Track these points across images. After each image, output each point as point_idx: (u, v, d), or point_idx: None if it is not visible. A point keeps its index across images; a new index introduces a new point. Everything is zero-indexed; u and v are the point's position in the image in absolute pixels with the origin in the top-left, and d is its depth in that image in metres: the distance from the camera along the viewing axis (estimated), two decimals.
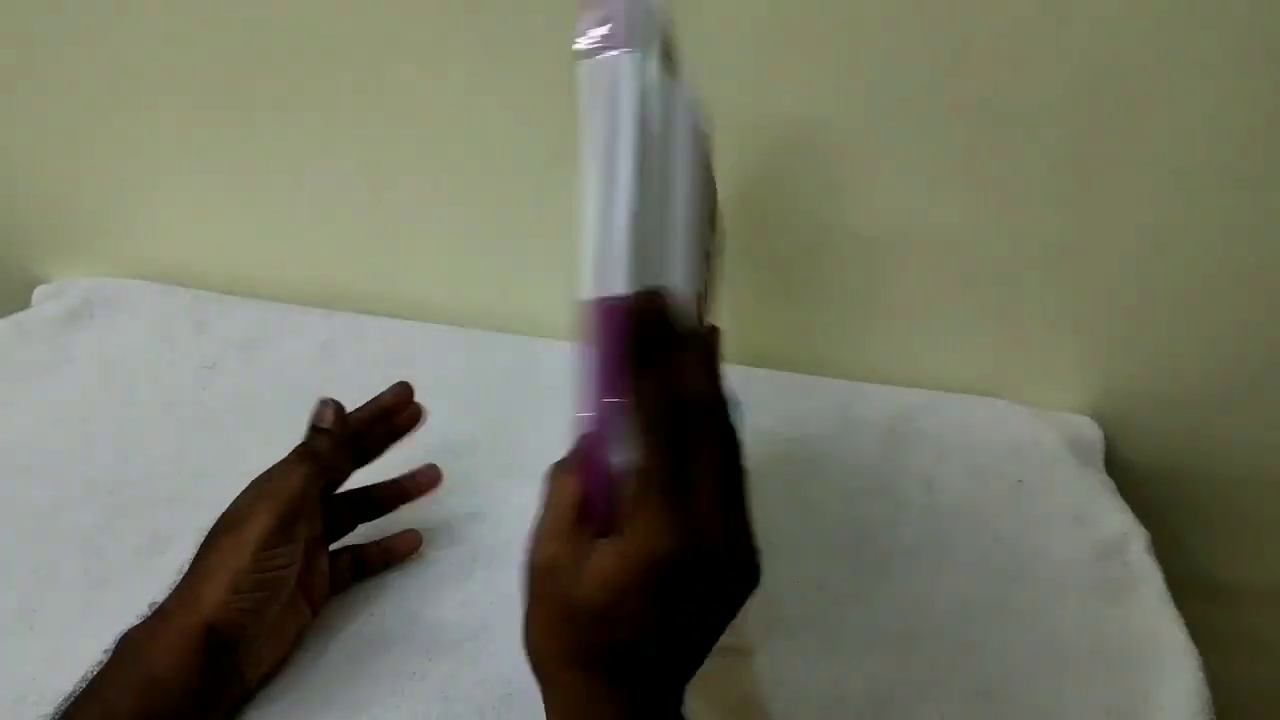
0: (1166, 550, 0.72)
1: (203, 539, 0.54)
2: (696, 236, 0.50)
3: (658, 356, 0.41)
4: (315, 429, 0.59)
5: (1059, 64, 0.69)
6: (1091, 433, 0.83)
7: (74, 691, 0.51)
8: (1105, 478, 0.79)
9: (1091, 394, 0.84)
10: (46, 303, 0.86)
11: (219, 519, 0.55)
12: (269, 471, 0.57)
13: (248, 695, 0.54)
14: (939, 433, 0.80)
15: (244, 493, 0.56)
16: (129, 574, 0.61)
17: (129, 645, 0.51)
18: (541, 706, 0.44)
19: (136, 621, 0.52)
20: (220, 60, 0.78)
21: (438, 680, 0.56)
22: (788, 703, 0.58)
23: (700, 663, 0.42)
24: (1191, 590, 0.70)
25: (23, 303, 0.88)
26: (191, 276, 0.88)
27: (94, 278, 0.88)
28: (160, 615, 0.52)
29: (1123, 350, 0.82)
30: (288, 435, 0.59)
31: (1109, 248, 0.77)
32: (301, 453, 0.58)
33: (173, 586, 0.53)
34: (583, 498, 0.42)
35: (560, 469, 0.43)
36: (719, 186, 0.69)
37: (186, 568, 0.54)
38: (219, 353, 0.81)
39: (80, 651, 0.55)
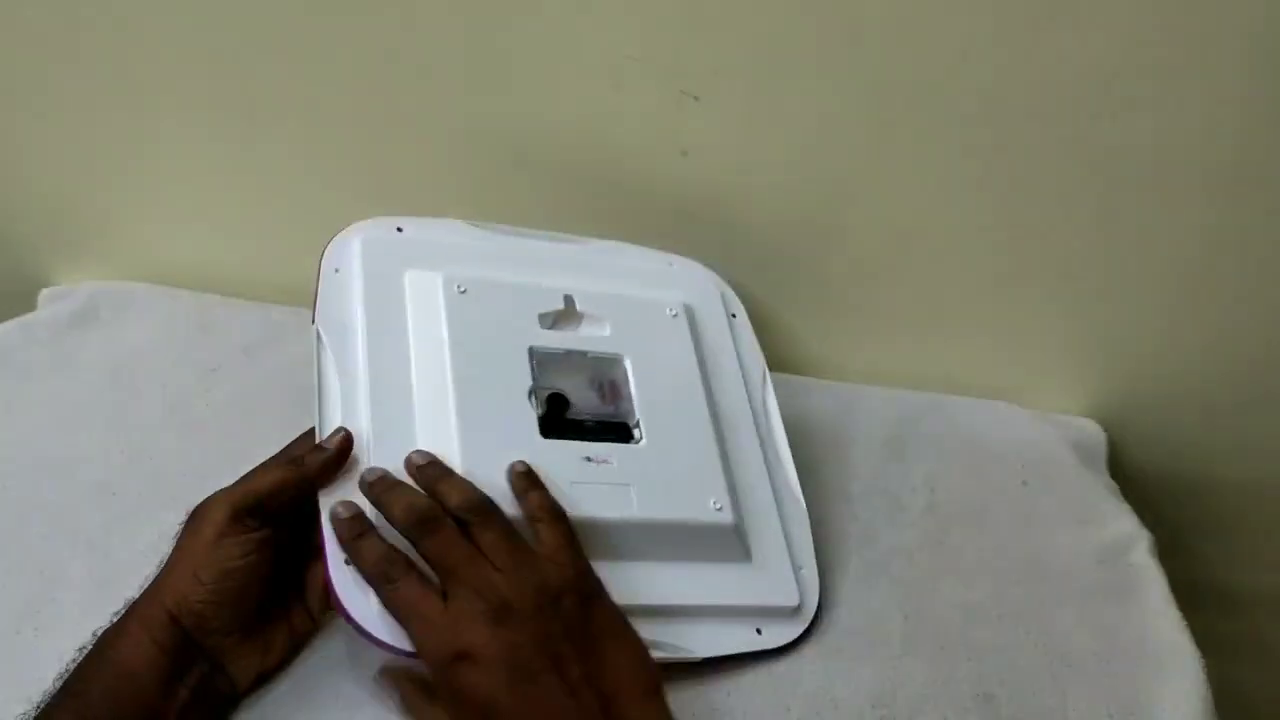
0: (1168, 553, 0.72)
1: None
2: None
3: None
4: (317, 446, 0.56)
5: (1061, 65, 0.69)
6: (1094, 435, 0.83)
7: (52, 689, 0.51)
8: (1108, 480, 0.79)
9: (1094, 396, 0.84)
10: (51, 305, 0.86)
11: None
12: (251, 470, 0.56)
13: (236, 698, 0.54)
14: (941, 435, 0.80)
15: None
16: (134, 575, 0.60)
17: (101, 640, 0.51)
18: None
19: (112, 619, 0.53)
20: (226, 63, 0.78)
21: None
22: (788, 705, 0.58)
23: None
24: (1193, 593, 0.70)
25: (28, 305, 0.88)
26: (196, 279, 0.88)
27: (99, 280, 0.88)
28: (127, 609, 0.52)
29: (1126, 352, 0.82)
30: (291, 438, 0.59)
31: (1111, 249, 0.77)
32: (286, 458, 0.57)
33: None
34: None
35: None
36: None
37: None
38: (223, 356, 0.80)
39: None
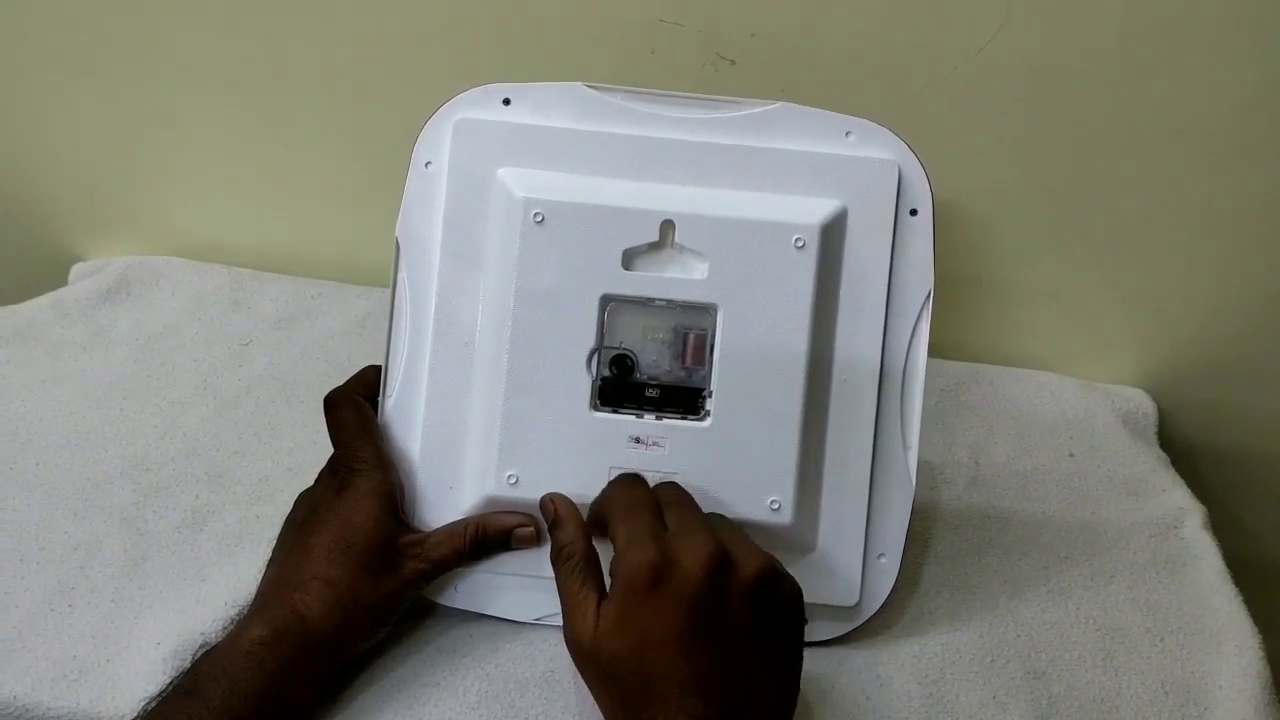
0: (1219, 526, 0.71)
1: (300, 532, 0.54)
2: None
3: None
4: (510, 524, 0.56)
5: (1108, 23, 0.67)
6: (1144, 405, 0.81)
7: (163, 691, 0.51)
8: (1159, 451, 0.77)
9: (1144, 365, 0.82)
10: (84, 280, 0.86)
11: (321, 520, 0.54)
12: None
13: None
14: (988, 405, 0.78)
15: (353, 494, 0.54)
16: (168, 551, 0.61)
17: (215, 665, 0.49)
18: (581, 683, 0.49)
19: (221, 635, 0.53)
20: (257, 37, 0.77)
21: (478, 656, 0.56)
22: (831, 685, 0.57)
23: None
24: (1245, 568, 0.68)
25: (60, 280, 0.88)
26: (228, 254, 0.88)
27: (131, 255, 0.88)
28: (267, 639, 0.50)
29: (1176, 319, 0.80)
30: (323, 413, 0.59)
31: (1162, 214, 0.75)
32: (360, 385, 0.58)
33: (259, 589, 0.54)
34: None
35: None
36: None
37: (277, 557, 0.54)
38: (255, 329, 0.80)
39: (120, 630, 0.55)
